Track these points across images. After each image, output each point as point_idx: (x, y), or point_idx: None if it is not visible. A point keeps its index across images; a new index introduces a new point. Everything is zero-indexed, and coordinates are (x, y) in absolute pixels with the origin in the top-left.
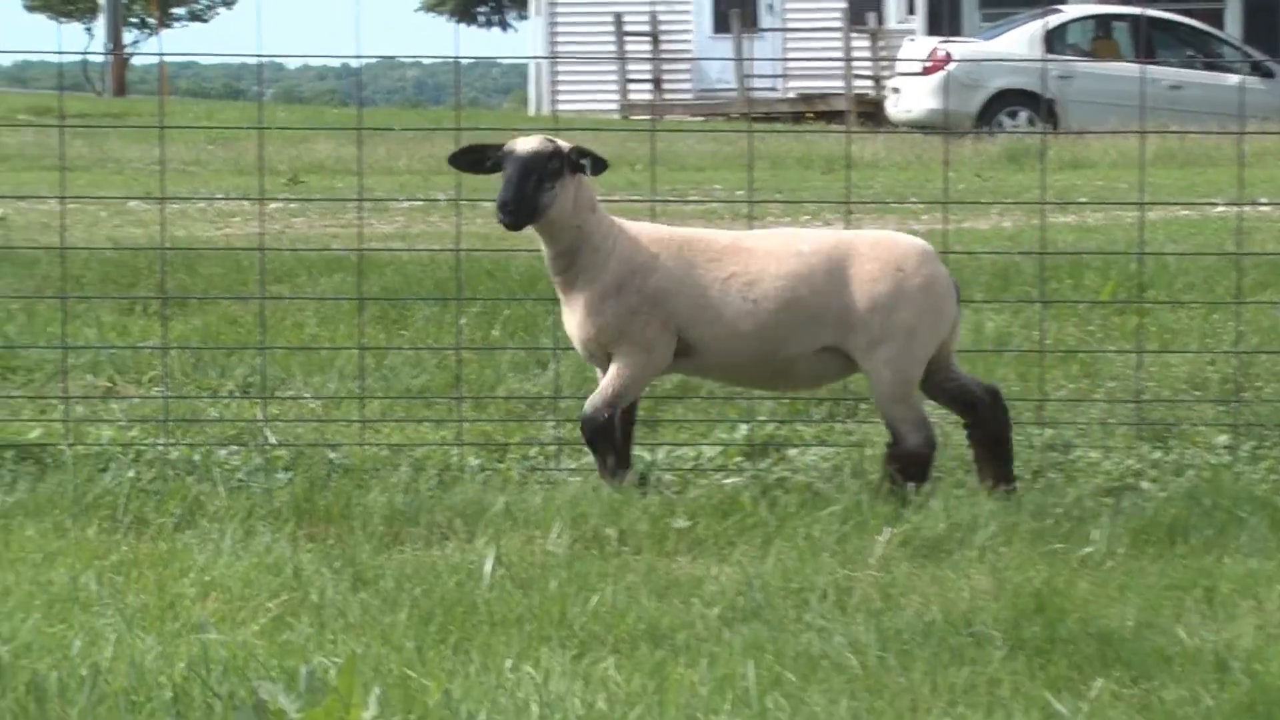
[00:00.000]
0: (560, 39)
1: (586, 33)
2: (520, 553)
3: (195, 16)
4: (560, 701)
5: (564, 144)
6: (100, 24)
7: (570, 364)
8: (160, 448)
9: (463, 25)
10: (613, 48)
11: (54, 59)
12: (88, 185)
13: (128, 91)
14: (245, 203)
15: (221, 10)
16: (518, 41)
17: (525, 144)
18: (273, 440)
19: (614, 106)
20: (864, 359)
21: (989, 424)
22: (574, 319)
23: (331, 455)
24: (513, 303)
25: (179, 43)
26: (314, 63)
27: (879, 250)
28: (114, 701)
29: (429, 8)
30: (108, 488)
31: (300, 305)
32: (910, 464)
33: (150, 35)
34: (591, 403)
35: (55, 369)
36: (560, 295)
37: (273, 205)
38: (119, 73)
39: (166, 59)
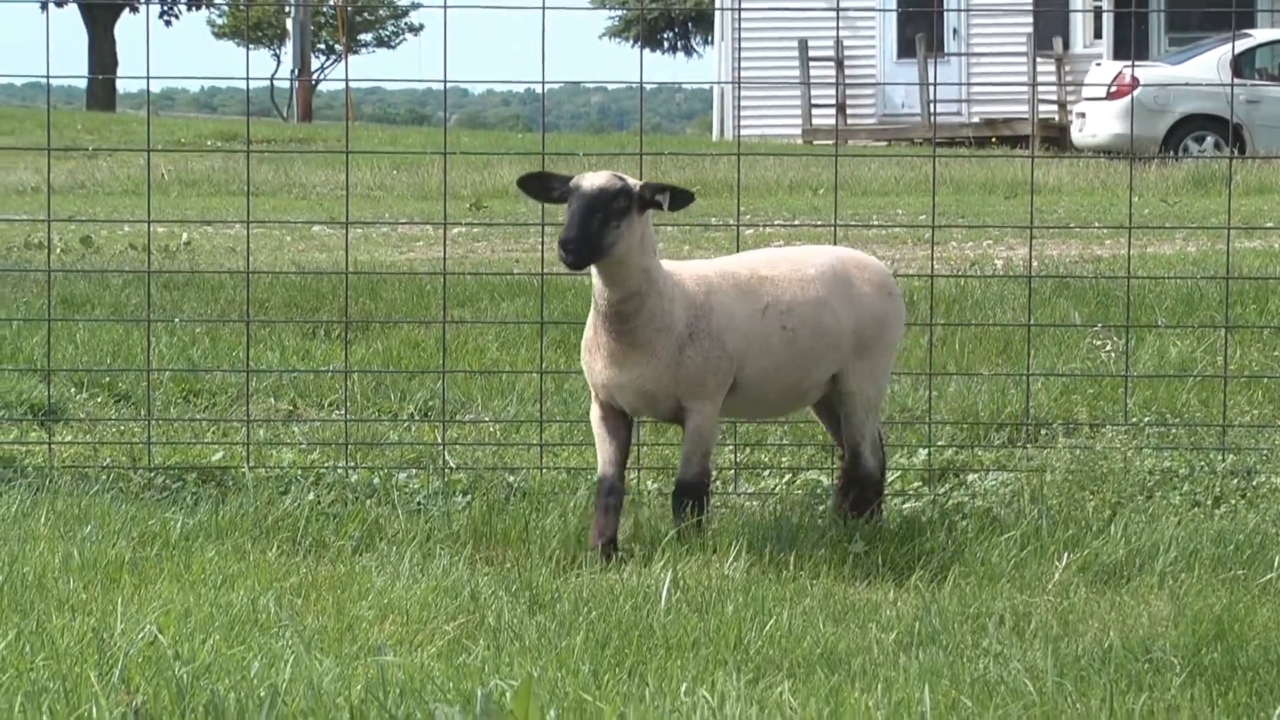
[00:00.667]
0: (745, 64)
1: (771, 58)
2: (697, 576)
3: (382, 43)
4: None
5: (633, 181)
6: (288, 50)
7: None
8: (340, 471)
9: (647, 51)
10: (797, 73)
11: (241, 85)
12: (273, 210)
13: (314, 117)
14: (428, 227)
15: (408, 36)
16: (702, 67)
17: (592, 180)
18: (452, 464)
19: (797, 131)
20: (853, 377)
21: (859, 478)
22: (642, 370)
23: (510, 479)
24: None
25: (365, 68)
26: (498, 88)
27: (868, 271)
28: None
29: (614, 34)
30: (288, 510)
31: (481, 329)
32: (867, 487)
33: (337, 61)
34: (690, 470)
35: (238, 392)
36: (614, 345)
37: (455, 230)
38: (305, 98)
39: (352, 85)
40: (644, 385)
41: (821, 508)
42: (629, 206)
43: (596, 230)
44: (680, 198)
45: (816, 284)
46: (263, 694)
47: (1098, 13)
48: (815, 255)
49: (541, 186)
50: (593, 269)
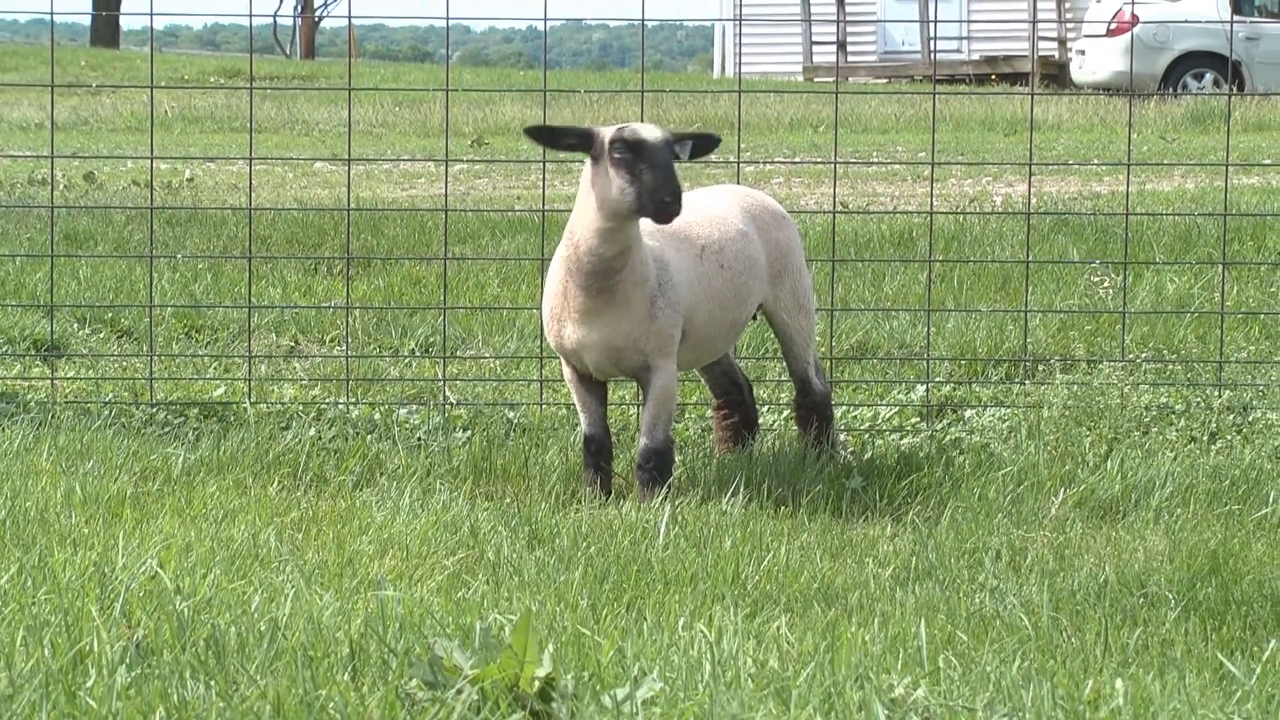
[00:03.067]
0: (746, 1)
1: None
2: (695, 512)
3: None
4: (732, 660)
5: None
6: None
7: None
8: (341, 406)
9: None
10: (798, 10)
11: (244, 22)
12: (275, 147)
13: (316, 54)
14: (430, 164)
15: None
16: (703, 4)
17: (654, 131)
18: (452, 399)
19: (798, 69)
20: (779, 307)
21: (747, 409)
22: (614, 326)
23: (510, 414)
24: None
25: (367, 5)
26: (500, 25)
27: (764, 203)
28: (292, 656)
29: None
30: (289, 446)
31: (482, 266)
32: (825, 410)
33: None
34: (659, 435)
35: (240, 328)
36: (588, 303)
37: (457, 167)
38: (308, 35)
39: (355, 21)
40: (613, 340)
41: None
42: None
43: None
44: (705, 145)
45: (731, 219)
46: (263, 628)
47: None
48: (717, 194)
49: (552, 136)
50: (595, 230)
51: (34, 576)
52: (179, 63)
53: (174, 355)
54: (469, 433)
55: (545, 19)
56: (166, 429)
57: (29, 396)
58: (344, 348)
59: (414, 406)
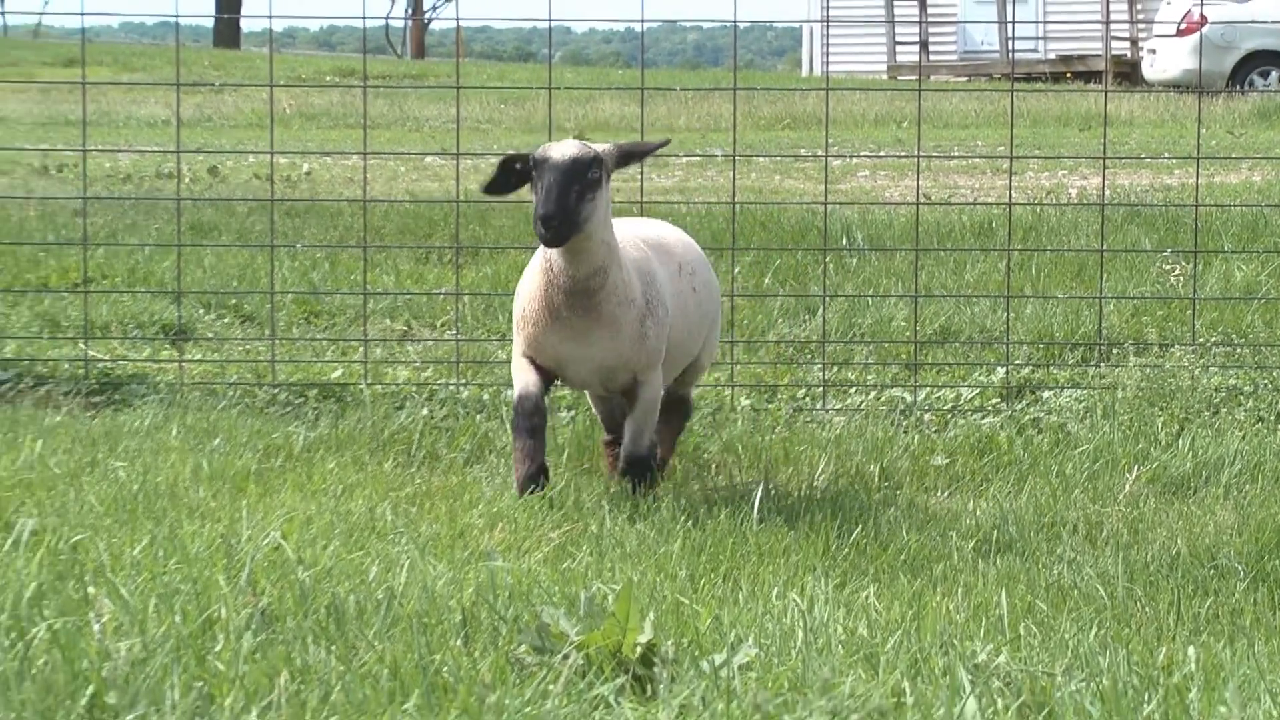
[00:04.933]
0: (833, 3)
1: None
2: (787, 487)
3: None
4: (823, 627)
5: (599, 147)
6: None
7: (837, 310)
8: (452, 387)
9: None
10: (883, 12)
11: (358, 24)
12: (388, 142)
13: (426, 54)
14: None
15: None
16: (792, 6)
17: (563, 149)
18: (557, 381)
19: (883, 67)
20: (704, 350)
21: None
22: (606, 346)
23: None
24: (784, 253)
25: (474, 8)
26: (600, 27)
27: (693, 241)
28: (407, 623)
29: None
30: (403, 424)
31: None
32: (684, 423)
33: (448, 1)
34: (643, 443)
35: (356, 314)
36: (577, 322)
37: None
38: (418, 36)
39: (462, 23)
40: (605, 361)
41: (905, 422)
42: (600, 177)
43: (575, 204)
44: (635, 155)
45: (691, 246)
46: (380, 596)
47: None
48: (661, 224)
49: (508, 180)
50: (554, 249)
51: (165, 547)
52: (297, 62)
53: (294, 339)
54: (572, 412)
55: (643, 21)
56: (288, 409)
57: (158, 378)
58: (454, 332)
59: None
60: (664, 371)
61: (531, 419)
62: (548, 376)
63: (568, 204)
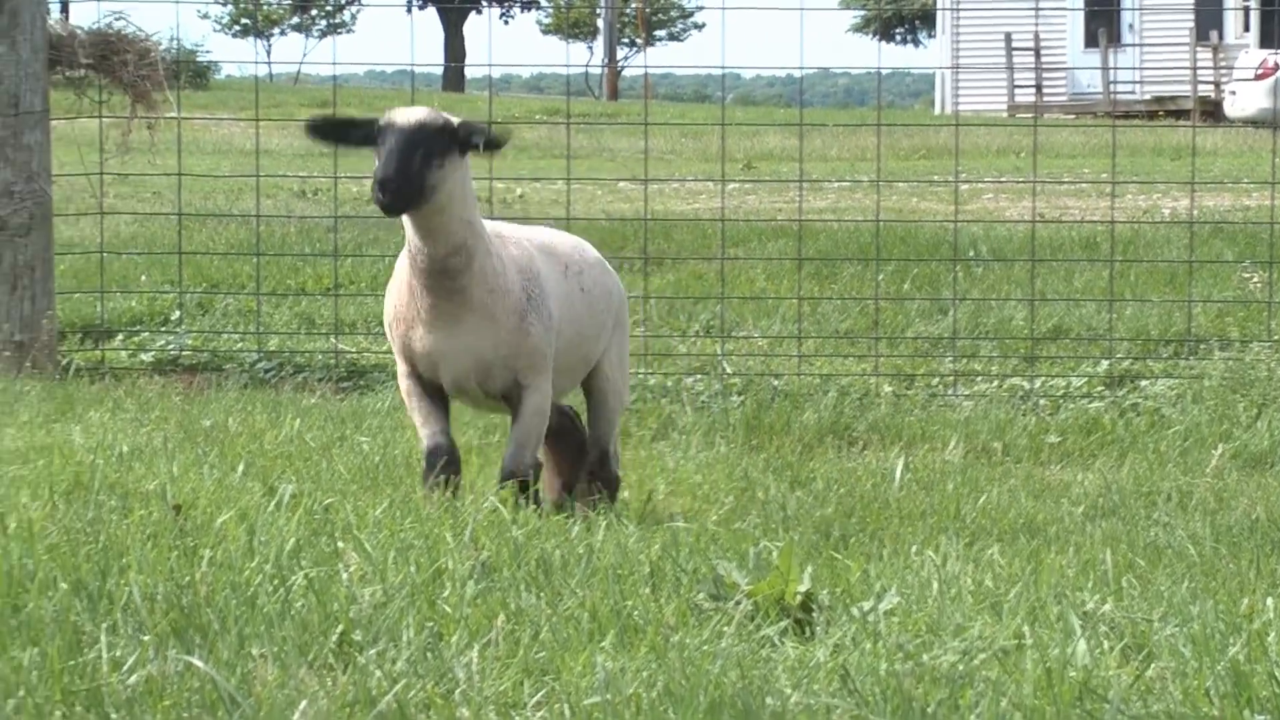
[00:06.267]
0: (962, 52)
1: (982, 47)
2: (923, 461)
3: (673, 37)
4: (955, 580)
5: (453, 117)
6: (599, 43)
7: (965, 311)
8: (641, 376)
9: (884, 42)
10: (1003, 59)
11: (563, 71)
12: (587, 170)
13: (619, 96)
14: (710, 184)
15: (693, 32)
16: (927, 55)
17: (408, 114)
18: (729, 371)
19: (1003, 107)
20: (607, 360)
21: (579, 434)
22: (479, 336)
23: (775, 383)
24: (920, 263)
25: (660, 57)
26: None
27: (587, 245)
28: (604, 574)
29: (856, 29)
30: None
31: (751, 264)
32: (614, 488)
33: (638, 51)
34: (525, 456)
35: None
36: (443, 306)
37: (731, 186)
38: (613, 81)
39: (650, 70)
40: (483, 353)
41: (1024, 406)
42: (450, 145)
43: (418, 169)
44: (495, 141)
45: (587, 248)
46: (581, 551)
47: (1246, 10)
48: (551, 230)
49: (337, 131)
50: (407, 223)
51: (401, 509)
52: (511, 104)
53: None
54: (742, 397)
55: (801, 68)
56: None
57: (395, 368)
58: (643, 329)
59: (698, 376)
60: (562, 376)
61: (445, 472)
62: (441, 403)
63: (409, 169)
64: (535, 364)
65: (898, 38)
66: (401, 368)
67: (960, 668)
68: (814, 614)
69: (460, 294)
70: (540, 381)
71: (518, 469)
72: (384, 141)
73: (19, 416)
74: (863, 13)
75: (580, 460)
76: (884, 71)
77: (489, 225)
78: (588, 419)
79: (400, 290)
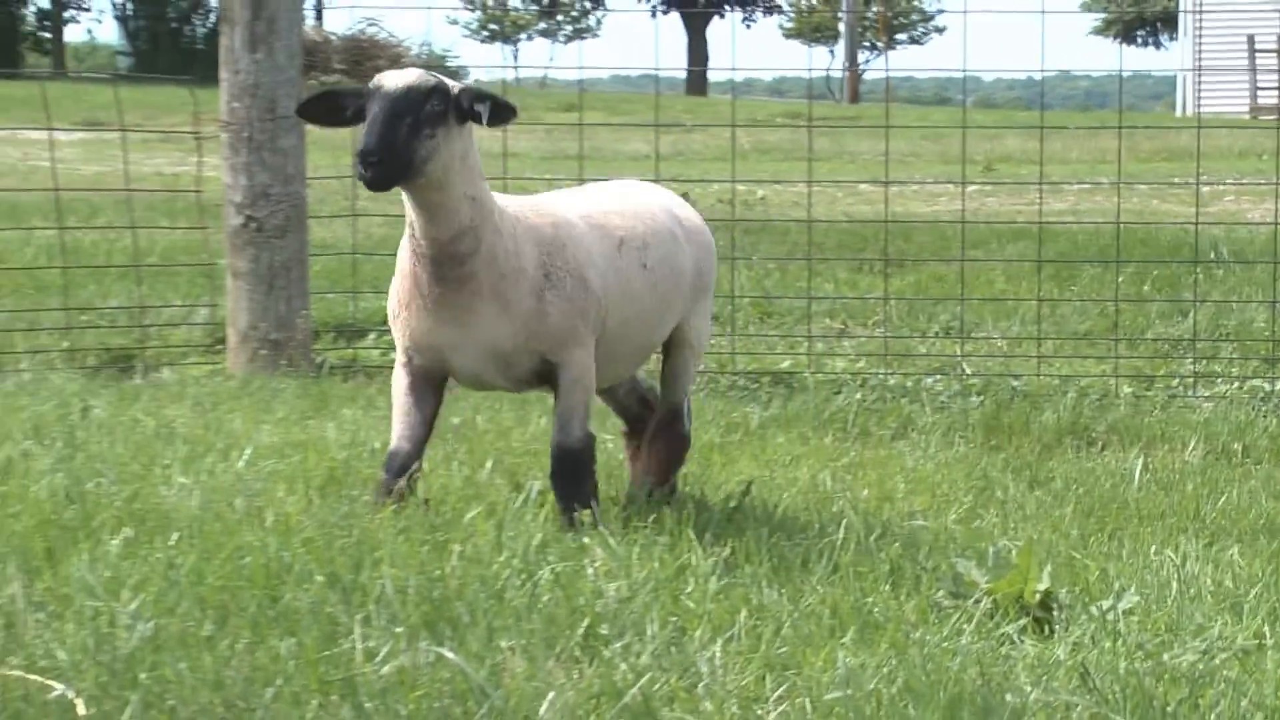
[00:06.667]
0: (1204, 55)
1: (1225, 49)
2: (1162, 461)
3: (913, 40)
4: (1194, 580)
5: (451, 82)
6: (840, 46)
7: (1205, 313)
8: (881, 376)
9: (1125, 45)
10: (1245, 61)
11: (804, 74)
12: (828, 172)
13: (860, 99)
14: (950, 186)
15: (934, 35)
16: (1168, 58)
17: (397, 78)
18: (968, 371)
19: (1245, 108)
20: (689, 329)
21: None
22: (493, 327)
23: (1014, 383)
24: (1160, 265)
25: (901, 60)
26: (1005, 76)
27: (688, 208)
28: (844, 570)
29: (1097, 32)
30: (840, 407)
31: (991, 266)
32: (683, 448)
33: (879, 55)
34: (573, 432)
35: (802, 314)
36: (450, 298)
37: (971, 188)
38: (854, 85)
39: (891, 74)
40: (498, 344)
41: (1264, 408)
42: (444, 111)
43: (405, 138)
44: (501, 110)
45: (659, 216)
46: (822, 548)
47: None
48: (643, 189)
49: (329, 109)
50: (407, 202)
51: (646, 507)
52: (753, 106)
53: (750, 335)
54: (981, 397)
55: (1042, 70)
56: (745, 393)
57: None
58: (883, 330)
59: (937, 376)
60: (620, 361)
61: (398, 476)
62: (426, 408)
63: (394, 138)
64: (562, 340)
65: (1139, 40)
66: (400, 358)
67: (1200, 667)
68: (1053, 612)
69: (469, 281)
70: (575, 354)
71: (566, 442)
72: (370, 108)
73: (275, 413)
74: (1104, 15)
75: (676, 457)
76: (1125, 74)
77: (520, 201)
78: (661, 374)
79: (402, 279)
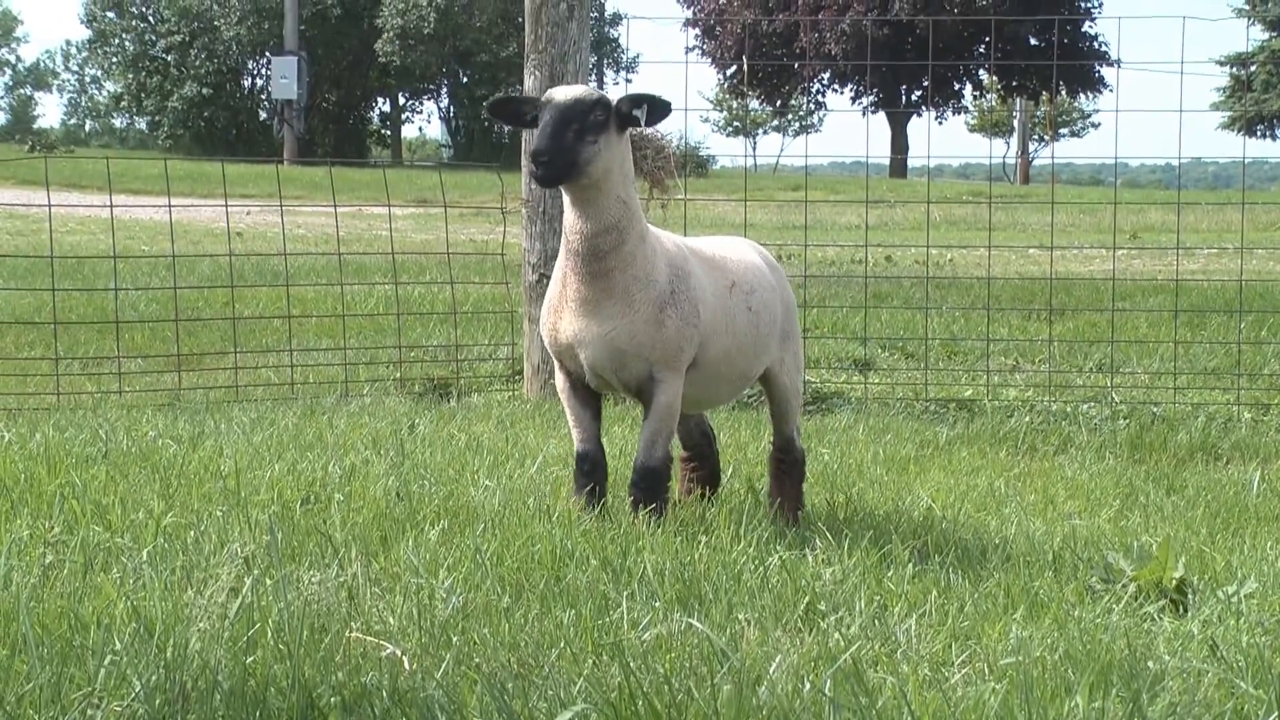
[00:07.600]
0: None
1: None
2: (1277, 473)
3: (1074, 134)
4: None
5: (611, 97)
6: (1014, 138)
7: None
8: (1045, 403)
9: (1247, 137)
10: None
11: (984, 161)
12: (1004, 240)
13: (1030, 181)
14: (1103, 250)
15: (1090, 130)
16: None
17: (566, 91)
18: (1117, 400)
19: None
20: (783, 370)
21: (712, 462)
22: (616, 324)
23: (1154, 410)
24: (1275, 314)
25: (1063, 149)
26: (1148, 162)
27: (771, 258)
28: (1015, 560)
29: (1224, 126)
30: (1013, 427)
31: (1136, 315)
32: (801, 470)
33: (1045, 145)
34: (656, 454)
35: (981, 353)
36: (586, 292)
37: (1120, 252)
38: (1025, 169)
39: (1055, 160)
40: (617, 341)
41: None
42: (607, 120)
43: (572, 143)
44: (657, 109)
45: (762, 267)
46: (996, 541)
47: None
48: (746, 244)
49: (514, 111)
50: (566, 203)
51: (857, 505)
52: (944, 187)
53: (940, 369)
54: (1127, 421)
55: (1179, 158)
56: (935, 415)
57: (851, 394)
58: (1048, 366)
59: (1091, 404)
60: (716, 387)
61: (590, 477)
62: (592, 405)
63: (562, 141)
64: (669, 357)
65: (1259, 132)
66: (558, 365)
67: None
68: (1187, 596)
69: (606, 278)
70: (673, 379)
71: (649, 463)
72: (542, 116)
73: (560, 430)
74: (1230, 113)
75: (711, 478)
76: (1246, 160)
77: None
78: (770, 412)
79: (554, 283)
